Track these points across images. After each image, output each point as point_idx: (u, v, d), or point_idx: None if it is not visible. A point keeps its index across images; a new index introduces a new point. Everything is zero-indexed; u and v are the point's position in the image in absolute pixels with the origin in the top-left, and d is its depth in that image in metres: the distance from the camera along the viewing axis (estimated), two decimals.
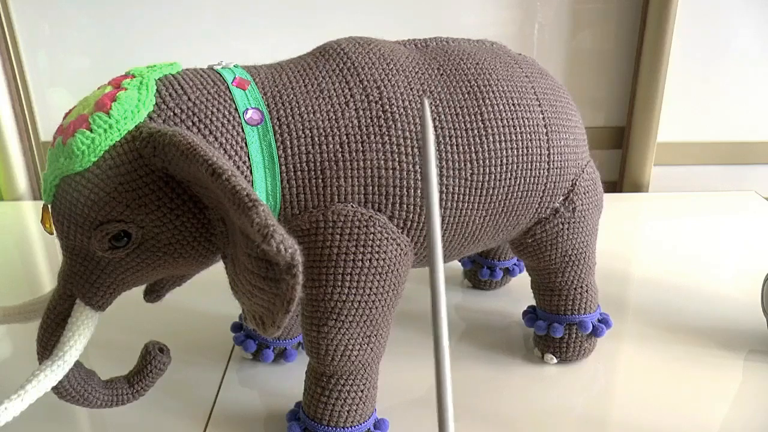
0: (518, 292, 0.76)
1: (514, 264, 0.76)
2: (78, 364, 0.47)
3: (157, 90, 0.44)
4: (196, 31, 1.04)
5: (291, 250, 0.35)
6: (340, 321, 0.48)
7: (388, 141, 0.47)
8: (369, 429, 0.52)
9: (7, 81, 1.06)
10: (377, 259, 0.47)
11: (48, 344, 0.46)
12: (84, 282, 0.45)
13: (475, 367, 0.63)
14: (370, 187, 0.47)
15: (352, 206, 0.47)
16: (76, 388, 0.47)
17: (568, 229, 0.58)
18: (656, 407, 0.58)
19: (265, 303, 0.39)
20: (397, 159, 0.47)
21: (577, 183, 0.57)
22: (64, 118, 0.45)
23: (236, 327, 0.65)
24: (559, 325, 0.62)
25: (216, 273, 0.51)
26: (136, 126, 0.42)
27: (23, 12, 1.03)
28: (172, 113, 0.44)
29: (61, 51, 1.05)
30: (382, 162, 0.47)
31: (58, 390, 0.46)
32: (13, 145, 1.09)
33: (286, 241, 0.35)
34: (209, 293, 0.69)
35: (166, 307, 0.60)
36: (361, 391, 0.51)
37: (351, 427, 0.51)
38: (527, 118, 0.52)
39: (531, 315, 0.65)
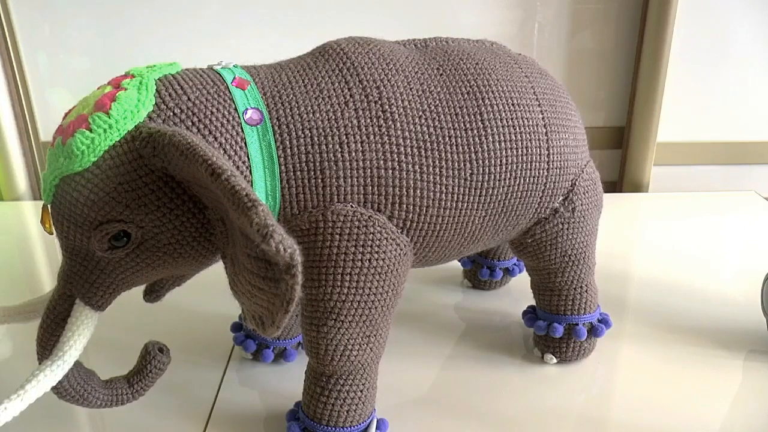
0: (518, 292, 0.76)
1: (514, 264, 0.76)
2: (78, 364, 0.47)
3: (156, 90, 0.44)
4: (196, 31, 1.04)
5: (290, 250, 0.35)
6: (340, 321, 0.48)
7: (387, 141, 0.47)
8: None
9: (7, 81, 1.06)
10: (377, 259, 0.47)
11: (48, 344, 0.46)
12: (84, 282, 0.45)
13: (475, 367, 0.63)
14: (370, 187, 0.47)
15: (352, 206, 0.47)
16: (76, 388, 0.47)
17: (567, 229, 0.58)
18: (656, 407, 0.58)
19: (264, 303, 0.39)
20: (396, 159, 0.47)
21: (577, 183, 0.57)
22: (64, 118, 0.45)
23: (236, 327, 0.65)
24: (558, 325, 0.62)
25: (216, 273, 0.51)
26: (135, 126, 0.42)
27: (23, 12, 1.03)
28: (171, 113, 0.44)
29: (61, 51, 1.05)
30: (382, 162, 0.47)
31: (58, 390, 0.46)
32: (13, 145, 1.09)
33: (286, 241, 0.35)
34: (209, 293, 0.69)
35: (166, 307, 0.60)
36: (361, 391, 0.51)
37: (350, 426, 0.51)
38: (527, 118, 0.52)
39: (531, 315, 0.65)
